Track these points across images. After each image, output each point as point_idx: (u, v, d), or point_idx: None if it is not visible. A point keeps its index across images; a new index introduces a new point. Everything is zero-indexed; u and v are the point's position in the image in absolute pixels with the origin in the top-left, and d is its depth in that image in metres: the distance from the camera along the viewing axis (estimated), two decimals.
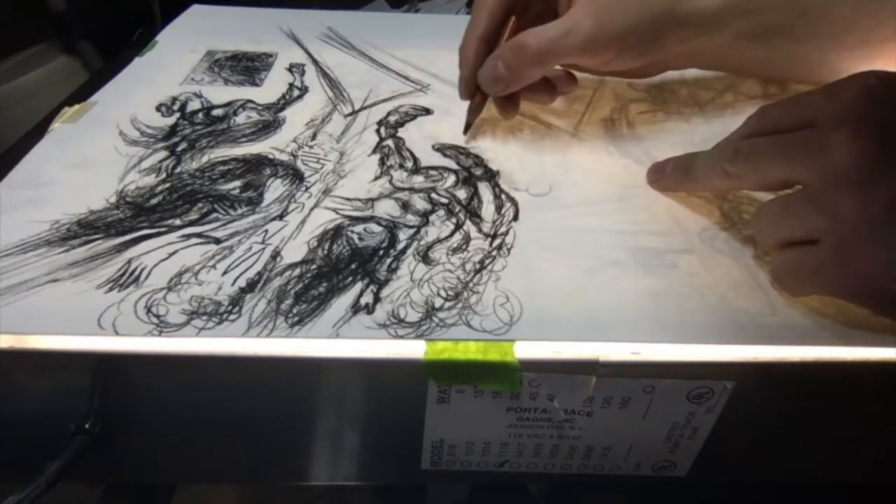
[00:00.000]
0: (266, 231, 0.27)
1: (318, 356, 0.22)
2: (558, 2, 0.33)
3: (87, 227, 0.27)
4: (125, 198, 0.28)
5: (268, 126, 0.35)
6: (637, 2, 0.30)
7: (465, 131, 0.34)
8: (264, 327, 0.22)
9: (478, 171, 0.31)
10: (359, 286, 0.24)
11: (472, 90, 0.34)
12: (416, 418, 0.24)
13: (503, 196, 0.30)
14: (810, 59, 0.35)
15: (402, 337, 0.22)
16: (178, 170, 0.31)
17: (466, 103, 0.34)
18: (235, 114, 0.36)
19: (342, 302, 0.23)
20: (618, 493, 0.33)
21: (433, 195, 0.30)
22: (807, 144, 0.22)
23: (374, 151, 0.33)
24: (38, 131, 0.34)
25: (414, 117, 0.36)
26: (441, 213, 0.28)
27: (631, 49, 0.31)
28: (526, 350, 0.22)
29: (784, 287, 0.24)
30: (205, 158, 0.32)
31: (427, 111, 0.37)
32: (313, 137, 0.34)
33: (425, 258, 0.26)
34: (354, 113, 0.37)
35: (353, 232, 0.27)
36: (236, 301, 0.23)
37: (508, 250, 0.26)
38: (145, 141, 0.33)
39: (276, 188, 0.30)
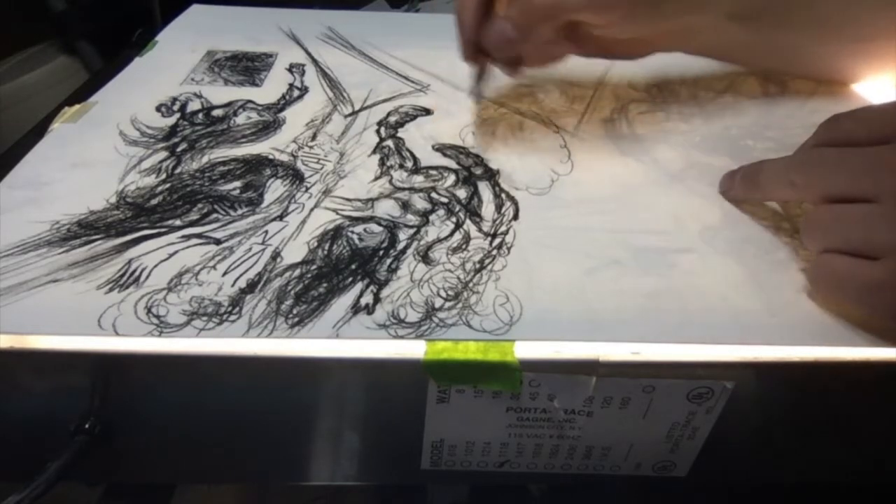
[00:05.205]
0: (266, 232, 0.27)
1: (318, 356, 0.22)
2: None
3: (87, 228, 0.27)
4: (125, 198, 0.28)
5: (268, 126, 0.35)
6: None
7: (475, 99, 0.32)
8: (264, 328, 0.22)
9: (478, 171, 0.31)
10: (359, 286, 0.24)
11: (475, 54, 0.33)
12: (416, 418, 0.24)
13: (503, 195, 0.30)
14: (799, 50, 0.34)
15: (402, 337, 0.22)
16: (178, 170, 0.31)
17: (465, 104, 0.34)
18: (235, 114, 0.36)
19: (342, 302, 0.23)
20: (618, 493, 0.33)
21: (433, 195, 0.30)
22: (880, 163, 0.21)
23: (374, 152, 0.33)
24: (38, 131, 0.33)
25: (414, 117, 0.36)
26: (441, 212, 0.28)
27: (639, 8, 0.30)
28: (526, 350, 0.22)
29: (822, 291, 0.23)
30: (205, 159, 0.32)
31: (427, 111, 0.37)
32: (313, 138, 0.34)
33: (425, 258, 0.26)
34: (354, 113, 0.37)
35: (353, 232, 0.27)
36: (236, 302, 0.23)
37: (508, 250, 0.26)
38: (145, 141, 0.33)
39: (276, 189, 0.30)
